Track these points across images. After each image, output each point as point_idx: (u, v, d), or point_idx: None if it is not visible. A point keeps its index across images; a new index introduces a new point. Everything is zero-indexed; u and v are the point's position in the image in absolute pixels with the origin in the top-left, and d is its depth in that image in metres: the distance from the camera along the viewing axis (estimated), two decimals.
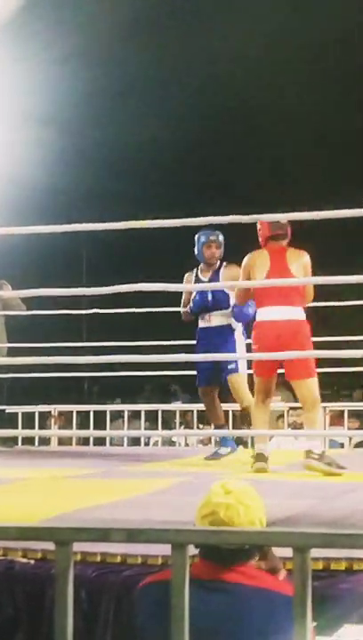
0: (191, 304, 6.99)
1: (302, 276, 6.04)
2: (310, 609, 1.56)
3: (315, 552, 1.55)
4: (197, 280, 7.01)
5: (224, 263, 7.01)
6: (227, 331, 6.94)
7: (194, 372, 7.33)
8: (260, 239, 6.21)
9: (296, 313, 6.08)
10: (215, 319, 6.96)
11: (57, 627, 1.63)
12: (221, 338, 6.89)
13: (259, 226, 6.14)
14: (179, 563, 1.59)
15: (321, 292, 6.97)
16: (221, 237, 6.99)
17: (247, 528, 1.62)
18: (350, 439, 8.92)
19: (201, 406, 9.70)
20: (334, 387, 15.35)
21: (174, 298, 7.24)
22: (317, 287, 6.32)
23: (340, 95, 14.39)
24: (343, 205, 4.54)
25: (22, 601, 3.50)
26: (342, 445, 9.03)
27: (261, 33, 13.50)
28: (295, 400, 8.84)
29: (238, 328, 6.98)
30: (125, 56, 13.55)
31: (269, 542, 1.63)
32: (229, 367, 6.90)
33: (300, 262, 6.08)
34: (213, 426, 7.50)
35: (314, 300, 6.60)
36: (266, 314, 6.08)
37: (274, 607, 2.46)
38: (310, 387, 6.03)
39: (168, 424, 9.53)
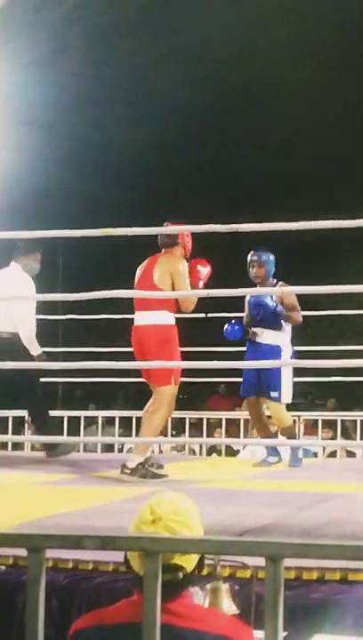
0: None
1: (166, 282, 6.10)
2: (282, 618, 1.56)
3: (287, 561, 1.55)
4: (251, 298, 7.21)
5: (280, 282, 7.12)
6: (275, 351, 6.99)
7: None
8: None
9: (153, 317, 6.14)
10: (264, 336, 7.08)
11: (28, 633, 1.62)
12: (269, 357, 6.93)
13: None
14: (152, 571, 1.58)
15: (299, 302, 7.04)
16: (262, 257, 7.10)
17: (218, 537, 1.60)
18: (324, 449, 8.94)
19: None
20: (307, 396, 15.39)
21: None
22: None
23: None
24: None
25: None
26: (315, 455, 9.05)
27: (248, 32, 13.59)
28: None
29: (286, 350, 7.05)
30: (108, 58, 13.57)
31: (242, 552, 1.62)
32: (273, 396, 6.96)
33: (164, 269, 6.16)
34: (255, 435, 7.58)
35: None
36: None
37: None
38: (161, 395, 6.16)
39: None
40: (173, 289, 6.07)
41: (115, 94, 14.32)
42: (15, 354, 6.58)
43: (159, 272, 6.12)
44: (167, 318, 6.15)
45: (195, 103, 14.61)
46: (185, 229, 5.71)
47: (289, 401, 7.00)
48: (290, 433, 6.98)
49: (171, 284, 6.09)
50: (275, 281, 7.12)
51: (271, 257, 7.13)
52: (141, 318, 6.19)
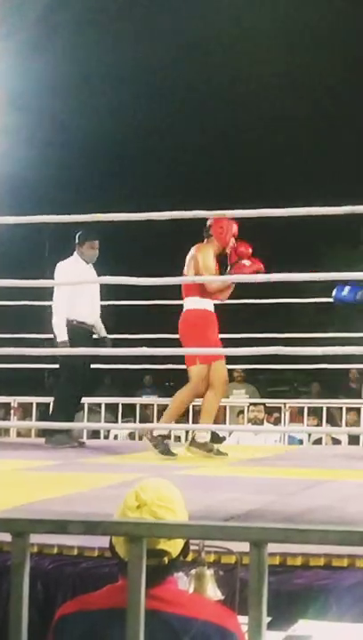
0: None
1: (191, 269, 6.60)
2: (266, 603, 1.56)
3: (272, 547, 1.55)
4: None
5: None
6: None
7: (161, 367, 7.56)
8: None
9: (187, 304, 6.66)
10: None
11: (12, 618, 1.62)
12: None
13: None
14: (136, 556, 1.58)
15: (284, 289, 7.03)
16: None
17: (205, 522, 1.60)
18: (310, 436, 8.96)
19: (162, 400, 9.71)
20: (293, 383, 15.41)
21: (139, 291, 7.23)
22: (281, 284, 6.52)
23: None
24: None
25: None
26: (300, 442, 9.07)
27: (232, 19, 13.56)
28: (260, 395, 8.88)
29: None
30: (94, 41, 13.53)
31: (226, 537, 1.63)
32: None
33: (189, 257, 6.68)
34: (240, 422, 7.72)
35: (276, 297, 6.72)
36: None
37: (198, 638, 2.28)
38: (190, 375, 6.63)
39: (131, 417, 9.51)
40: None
41: (103, 76, 14.26)
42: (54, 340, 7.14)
43: (187, 262, 6.69)
44: (196, 303, 6.59)
45: (180, 89, 14.57)
46: (170, 215, 5.67)
47: None
48: None
49: (194, 272, 6.55)
50: None
51: None
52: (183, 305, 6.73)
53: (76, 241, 7.43)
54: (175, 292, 6.83)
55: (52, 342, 7.24)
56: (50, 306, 7.35)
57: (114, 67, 14.28)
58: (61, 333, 7.13)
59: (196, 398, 6.91)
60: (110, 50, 13.80)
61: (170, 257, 7.39)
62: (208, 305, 6.64)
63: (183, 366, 9.18)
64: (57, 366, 7.47)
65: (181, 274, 6.59)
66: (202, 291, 6.58)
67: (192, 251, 6.67)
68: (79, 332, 7.17)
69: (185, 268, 6.64)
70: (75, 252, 7.46)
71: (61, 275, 7.33)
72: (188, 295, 6.62)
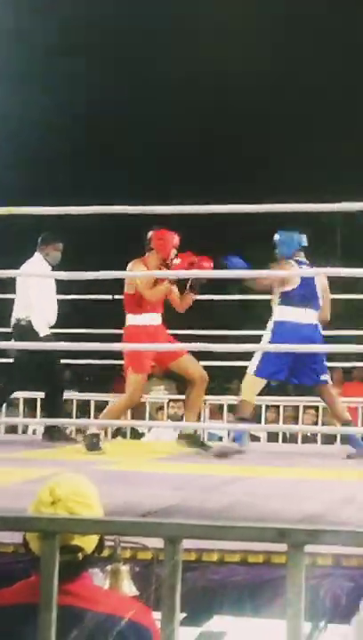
0: None
1: (131, 288, 6.73)
2: (179, 599, 1.56)
3: (188, 544, 1.54)
4: None
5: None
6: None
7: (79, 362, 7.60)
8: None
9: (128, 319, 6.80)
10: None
11: None
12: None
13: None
14: (49, 552, 1.56)
15: (208, 286, 7.09)
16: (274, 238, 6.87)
17: (120, 518, 1.59)
18: (229, 433, 8.99)
19: (80, 395, 9.66)
20: (216, 380, 15.46)
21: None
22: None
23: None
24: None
25: None
26: (220, 439, 9.09)
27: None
28: (178, 392, 8.90)
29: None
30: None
31: (140, 532, 1.62)
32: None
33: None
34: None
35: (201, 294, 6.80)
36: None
37: (112, 633, 2.27)
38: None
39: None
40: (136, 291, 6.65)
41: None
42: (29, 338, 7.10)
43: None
44: (133, 319, 6.73)
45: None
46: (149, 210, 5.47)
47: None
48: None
49: (134, 287, 6.65)
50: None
51: (280, 236, 6.78)
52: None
53: (40, 242, 7.45)
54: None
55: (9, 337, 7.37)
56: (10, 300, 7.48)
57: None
58: (42, 331, 7.27)
59: (131, 406, 7.01)
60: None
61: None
62: (147, 320, 6.69)
63: (100, 362, 9.22)
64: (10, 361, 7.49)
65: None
66: (139, 305, 6.66)
67: (129, 266, 6.68)
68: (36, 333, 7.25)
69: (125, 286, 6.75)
70: (36, 254, 7.46)
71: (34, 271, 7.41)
72: (128, 311, 6.76)
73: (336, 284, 7.29)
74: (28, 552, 2.39)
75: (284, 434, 9.12)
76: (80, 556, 2.32)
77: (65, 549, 1.65)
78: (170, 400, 8.97)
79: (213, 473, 5.70)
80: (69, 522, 1.70)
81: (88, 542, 2.34)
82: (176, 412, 8.69)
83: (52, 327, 7.43)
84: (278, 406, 9.00)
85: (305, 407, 8.86)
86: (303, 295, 6.58)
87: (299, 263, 6.65)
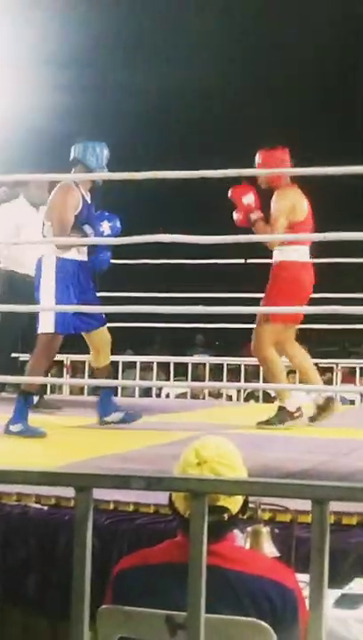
0: None
1: None
2: (327, 561, 1.57)
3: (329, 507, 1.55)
4: None
5: None
6: None
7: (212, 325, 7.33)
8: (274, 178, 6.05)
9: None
10: None
11: (75, 572, 1.64)
12: None
13: (280, 157, 6.02)
14: (199, 511, 1.59)
15: (334, 248, 6.95)
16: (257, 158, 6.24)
17: (265, 479, 1.61)
18: (362, 396, 8.92)
19: (213, 359, 9.71)
20: (343, 343, 15.34)
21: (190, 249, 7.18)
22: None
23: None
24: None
25: (35, 546, 3.54)
26: (352, 402, 9.04)
27: None
28: (311, 356, 8.81)
29: None
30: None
31: (289, 494, 1.63)
32: None
33: None
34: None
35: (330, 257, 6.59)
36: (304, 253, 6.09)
37: (257, 594, 2.29)
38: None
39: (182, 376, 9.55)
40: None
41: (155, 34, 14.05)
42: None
43: None
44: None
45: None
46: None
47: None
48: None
49: None
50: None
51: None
52: None
53: (21, 184, 6.95)
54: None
55: None
56: None
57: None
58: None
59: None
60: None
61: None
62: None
63: (233, 325, 9.19)
64: None
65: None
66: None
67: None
68: (22, 286, 6.62)
69: None
70: (20, 195, 7.01)
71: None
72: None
73: None
74: (173, 512, 2.43)
75: None
76: (226, 516, 2.35)
77: (211, 510, 1.66)
78: None
79: (346, 436, 5.67)
80: (219, 483, 1.72)
81: (234, 503, 2.37)
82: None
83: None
84: None
85: None
86: None
87: None
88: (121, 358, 8.91)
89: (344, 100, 14.33)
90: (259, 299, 6.77)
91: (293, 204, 5.97)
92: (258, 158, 6.02)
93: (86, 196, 5.79)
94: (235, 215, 6.09)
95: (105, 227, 5.70)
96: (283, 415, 5.91)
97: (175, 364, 8.89)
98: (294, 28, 13.54)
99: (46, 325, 5.55)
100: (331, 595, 2.72)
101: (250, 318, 6.97)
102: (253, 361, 8.82)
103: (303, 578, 2.37)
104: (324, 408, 6.12)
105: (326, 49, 13.64)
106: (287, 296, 5.86)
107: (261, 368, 8.98)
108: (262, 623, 2.20)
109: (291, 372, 8.93)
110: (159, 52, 13.75)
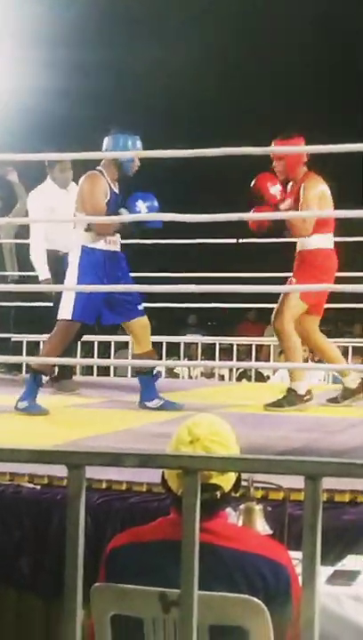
0: None
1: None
2: (320, 537, 1.57)
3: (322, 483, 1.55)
4: None
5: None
6: None
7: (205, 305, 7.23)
8: (293, 163, 5.89)
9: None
10: None
11: (68, 550, 1.64)
12: None
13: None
14: (191, 488, 1.59)
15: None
16: None
17: (258, 456, 1.61)
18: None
19: (205, 339, 9.72)
20: (336, 323, 15.35)
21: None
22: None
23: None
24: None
25: (28, 524, 3.55)
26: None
27: None
28: None
29: None
30: None
31: (282, 470, 1.63)
32: None
33: None
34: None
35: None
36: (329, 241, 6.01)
37: (250, 571, 2.30)
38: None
39: (173, 356, 9.55)
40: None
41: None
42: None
43: None
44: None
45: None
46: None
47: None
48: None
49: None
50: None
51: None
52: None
53: (46, 164, 6.99)
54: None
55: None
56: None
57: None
58: (42, 271, 6.89)
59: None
60: None
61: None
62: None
63: (226, 305, 9.18)
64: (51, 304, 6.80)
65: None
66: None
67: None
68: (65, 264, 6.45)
69: None
70: (47, 178, 7.05)
71: (34, 203, 6.98)
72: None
73: None
74: (166, 490, 2.43)
75: None
76: (218, 494, 2.36)
77: (204, 487, 1.66)
78: None
79: (338, 415, 5.69)
80: (212, 459, 1.72)
81: (226, 480, 2.37)
82: (304, 354, 8.67)
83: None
84: None
85: None
86: None
87: None
88: (113, 338, 8.89)
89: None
90: (250, 278, 6.76)
91: (322, 192, 5.88)
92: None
93: (113, 185, 5.81)
94: (256, 204, 5.93)
95: (141, 206, 5.66)
96: (292, 398, 5.87)
97: (168, 343, 8.87)
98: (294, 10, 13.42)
99: (64, 312, 5.64)
100: (324, 572, 2.73)
101: (242, 298, 6.96)
102: (244, 340, 8.81)
103: (296, 555, 2.38)
104: (357, 390, 6.04)
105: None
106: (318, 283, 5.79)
107: (253, 347, 9.04)
108: (255, 600, 2.20)
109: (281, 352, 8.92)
110: (157, 31, 13.69)
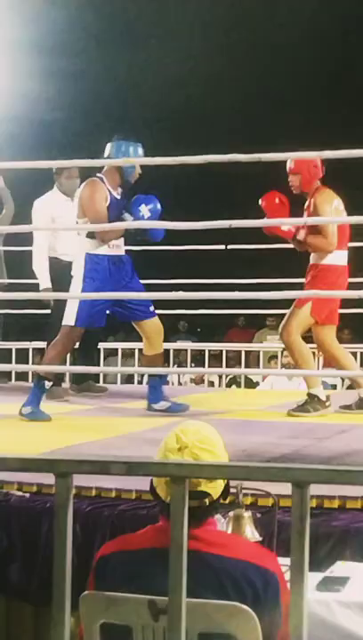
0: None
1: None
2: (308, 543, 1.57)
3: (310, 490, 1.55)
4: None
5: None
6: None
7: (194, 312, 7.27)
8: (309, 178, 5.90)
9: None
10: None
11: (56, 558, 1.64)
12: None
13: (314, 163, 5.85)
14: (179, 496, 1.59)
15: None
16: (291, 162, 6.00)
17: (245, 463, 1.61)
18: (343, 380, 8.95)
19: (195, 345, 9.72)
20: None
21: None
22: None
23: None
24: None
25: (17, 533, 3.54)
26: (334, 387, 9.06)
27: None
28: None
29: None
30: None
31: (269, 477, 1.63)
32: None
33: None
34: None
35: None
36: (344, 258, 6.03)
37: (239, 578, 2.30)
38: None
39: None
40: None
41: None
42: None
43: None
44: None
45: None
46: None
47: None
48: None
49: None
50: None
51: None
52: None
53: (54, 171, 7.04)
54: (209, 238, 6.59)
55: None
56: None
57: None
58: (44, 280, 6.90)
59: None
60: None
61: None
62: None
63: (215, 311, 9.18)
64: (48, 312, 7.00)
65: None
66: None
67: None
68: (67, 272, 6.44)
69: None
70: (54, 186, 7.11)
71: (37, 213, 7.01)
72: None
73: None
74: (155, 497, 2.43)
75: None
76: (207, 501, 2.36)
77: (192, 494, 1.67)
78: (283, 349, 8.95)
79: (328, 421, 5.69)
80: (199, 467, 1.72)
81: (215, 488, 2.37)
82: (290, 360, 8.67)
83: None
84: None
85: None
86: None
87: None
88: (103, 345, 8.89)
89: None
90: (240, 284, 6.76)
91: (336, 207, 5.90)
92: (290, 163, 5.90)
93: (115, 192, 5.85)
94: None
95: (144, 210, 5.69)
96: (315, 403, 5.89)
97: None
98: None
99: (68, 318, 5.72)
100: (314, 578, 2.74)
101: (231, 304, 6.97)
102: (234, 347, 8.80)
103: (286, 562, 2.38)
104: None
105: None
106: (330, 299, 5.89)
107: (242, 354, 9.04)
108: (244, 607, 2.20)
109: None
110: (153, 39, 13.68)
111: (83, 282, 5.74)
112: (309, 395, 5.95)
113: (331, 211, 5.84)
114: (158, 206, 5.71)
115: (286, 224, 5.86)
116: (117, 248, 5.85)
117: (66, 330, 5.73)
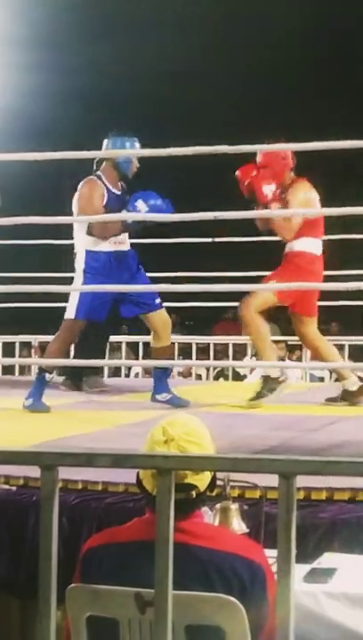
0: None
1: None
2: (294, 535, 1.57)
3: (297, 481, 1.55)
4: None
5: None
6: None
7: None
8: (282, 169, 5.96)
9: None
10: None
11: (42, 551, 1.63)
12: None
13: (282, 155, 5.94)
14: (165, 488, 1.58)
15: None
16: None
17: (231, 455, 1.60)
18: (331, 373, 8.96)
19: (181, 338, 9.71)
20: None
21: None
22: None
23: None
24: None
25: (4, 526, 3.53)
26: (322, 379, 9.08)
27: None
28: (281, 333, 8.81)
29: None
30: None
31: (256, 469, 1.63)
32: None
33: None
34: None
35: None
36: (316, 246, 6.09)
37: (226, 570, 2.30)
38: None
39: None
40: None
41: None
42: None
43: None
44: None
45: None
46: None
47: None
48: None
49: None
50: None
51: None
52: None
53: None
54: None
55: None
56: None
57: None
58: None
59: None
60: None
61: None
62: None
63: (204, 304, 9.16)
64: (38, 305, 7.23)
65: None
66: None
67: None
68: None
69: None
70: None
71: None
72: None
73: None
74: (141, 490, 2.43)
75: None
76: (193, 493, 2.35)
77: (179, 487, 1.66)
78: (272, 341, 8.95)
79: (315, 413, 5.70)
80: (185, 459, 1.72)
81: (202, 480, 2.37)
82: (278, 353, 8.68)
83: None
84: None
85: None
86: None
87: None
88: None
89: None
90: (225, 277, 6.77)
91: (307, 198, 5.95)
92: (259, 157, 5.97)
93: (114, 188, 5.92)
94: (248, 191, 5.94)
95: (141, 206, 5.70)
96: (269, 384, 5.94)
97: (144, 343, 8.86)
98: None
99: (69, 312, 5.81)
100: (301, 569, 2.74)
101: (221, 297, 6.95)
102: (221, 340, 8.78)
103: (273, 554, 2.38)
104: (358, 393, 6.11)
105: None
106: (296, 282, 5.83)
107: (230, 347, 9.03)
108: (231, 598, 2.20)
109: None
110: (134, 31, 13.66)
111: (83, 278, 5.82)
112: (262, 378, 6.00)
113: (301, 201, 5.90)
114: (158, 202, 5.71)
115: (270, 216, 5.90)
116: (120, 244, 5.92)
117: (67, 323, 5.82)
